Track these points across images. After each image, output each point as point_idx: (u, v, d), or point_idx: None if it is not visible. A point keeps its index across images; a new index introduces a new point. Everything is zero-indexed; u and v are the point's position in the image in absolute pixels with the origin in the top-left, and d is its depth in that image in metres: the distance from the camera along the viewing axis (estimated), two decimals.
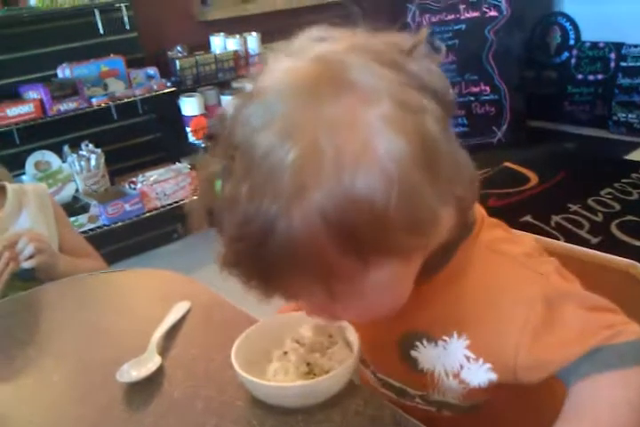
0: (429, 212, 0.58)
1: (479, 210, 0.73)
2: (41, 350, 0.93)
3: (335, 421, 0.71)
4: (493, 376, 0.69)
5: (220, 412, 0.74)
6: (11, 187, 1.40)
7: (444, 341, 0.72)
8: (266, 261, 0.56)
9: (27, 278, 1.23)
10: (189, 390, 0.78)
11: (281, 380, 0.73)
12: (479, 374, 0.70)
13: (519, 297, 0.67)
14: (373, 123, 0.54)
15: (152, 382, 0.80)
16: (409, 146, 0.54)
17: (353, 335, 0.76)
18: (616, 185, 3.20)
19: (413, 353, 0.74)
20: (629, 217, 2.86)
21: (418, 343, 0.74)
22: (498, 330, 0.67)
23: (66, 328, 0.99)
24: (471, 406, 0.75)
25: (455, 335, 0.71)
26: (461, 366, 0.71)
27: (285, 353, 0.76)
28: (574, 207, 2.94)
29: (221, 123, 0.60)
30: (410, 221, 0.56)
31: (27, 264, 1.21)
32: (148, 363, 0.82)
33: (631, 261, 0.91)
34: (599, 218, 2.86)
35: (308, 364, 0.74)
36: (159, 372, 0.82)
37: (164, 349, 0.87)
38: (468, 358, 0.70)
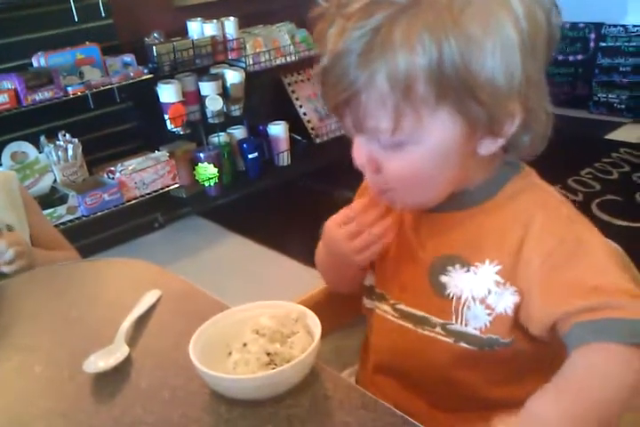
0: (512, 85, 0.66)
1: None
2: (9, 341, 0.92)
3: (304, 405, 0.71)
4: (517, 299, 0.74)
5: (187, 401, 0.74)
6: None
7: (476, 266, 0.77)
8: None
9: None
10: (157, 380, 0.78)
11: (241, 372, 0.71)
12: (505, 298, 0.75)
13: (554, 230, 0.73)
14: None
15: (119, 373, 0.80)
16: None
17: (314, 323, 0.76)
18: (596, 165, 3.21)
19: (443, 278, 0.79)
20: (610, 196, 2.88)
21: (450, 268, 0.79)
22: (526, 257, 0.73)
23: (35, 319, 0.98)
24: (488, 341, 0.78)
25: (487, 261, 0.76)
26: (489, 291, 0.76)
27: (245, 345, 0.74)
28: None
29: None
30: (494, 83, 0.65)
31: (6, 269, 1.18)
32: (116, 353, 0.81)
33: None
34: (579, 198, 2.88)
35: (269, 354, 0.73)
36: (127, 362, 0.81)
37: (133, 338, 0.86)
38: (497, 283, 0.75)
